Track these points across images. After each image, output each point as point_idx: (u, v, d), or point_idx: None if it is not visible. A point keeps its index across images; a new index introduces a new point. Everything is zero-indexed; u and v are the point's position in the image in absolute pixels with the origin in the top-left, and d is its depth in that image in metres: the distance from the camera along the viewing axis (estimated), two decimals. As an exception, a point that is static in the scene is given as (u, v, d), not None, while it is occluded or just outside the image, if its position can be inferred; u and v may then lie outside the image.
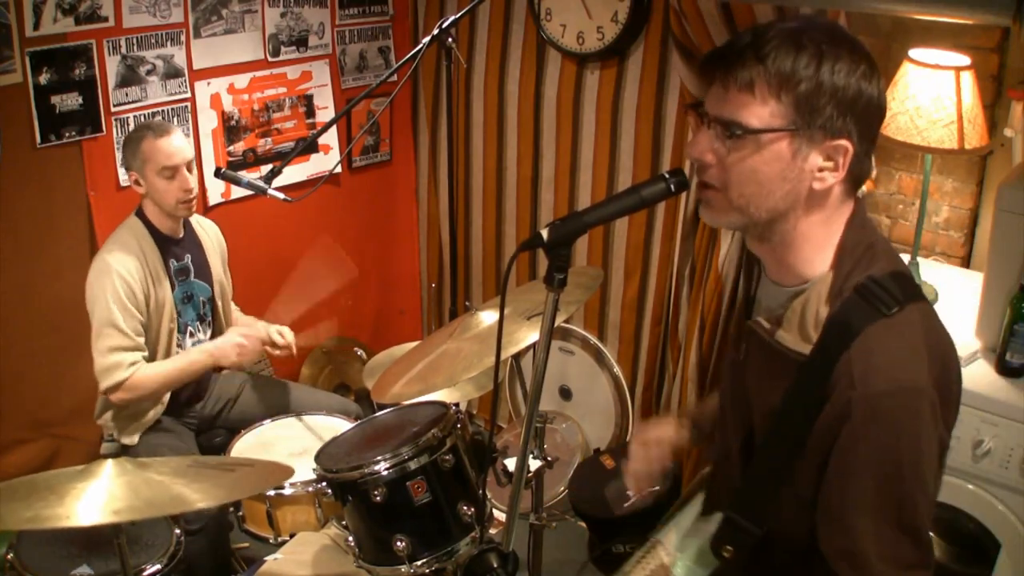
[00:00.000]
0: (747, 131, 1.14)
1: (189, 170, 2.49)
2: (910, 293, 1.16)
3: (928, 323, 1.18)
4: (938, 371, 1.14)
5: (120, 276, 2.39)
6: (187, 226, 2.64)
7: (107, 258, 2.42)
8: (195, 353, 2.56)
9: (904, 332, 1.14)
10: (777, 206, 1.18)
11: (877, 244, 1.21)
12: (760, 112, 1.13)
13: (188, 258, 2.61)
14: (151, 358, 2.50)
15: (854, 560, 1.14)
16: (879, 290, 1.14)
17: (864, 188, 1.91)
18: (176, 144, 2.46)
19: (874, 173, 2.47)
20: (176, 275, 2.57)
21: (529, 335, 1.80)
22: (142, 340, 2.45)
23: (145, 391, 2.45)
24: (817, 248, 1.21)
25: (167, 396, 2.59)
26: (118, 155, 2.79)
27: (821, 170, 1.15)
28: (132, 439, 2.51)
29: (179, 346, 2.59)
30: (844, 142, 1.14)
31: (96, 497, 1.66)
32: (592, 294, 2.61)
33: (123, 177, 2.77)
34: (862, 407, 1.10)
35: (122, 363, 2.40)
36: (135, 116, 2.84)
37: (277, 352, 2.67)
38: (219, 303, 2.72)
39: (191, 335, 2.64)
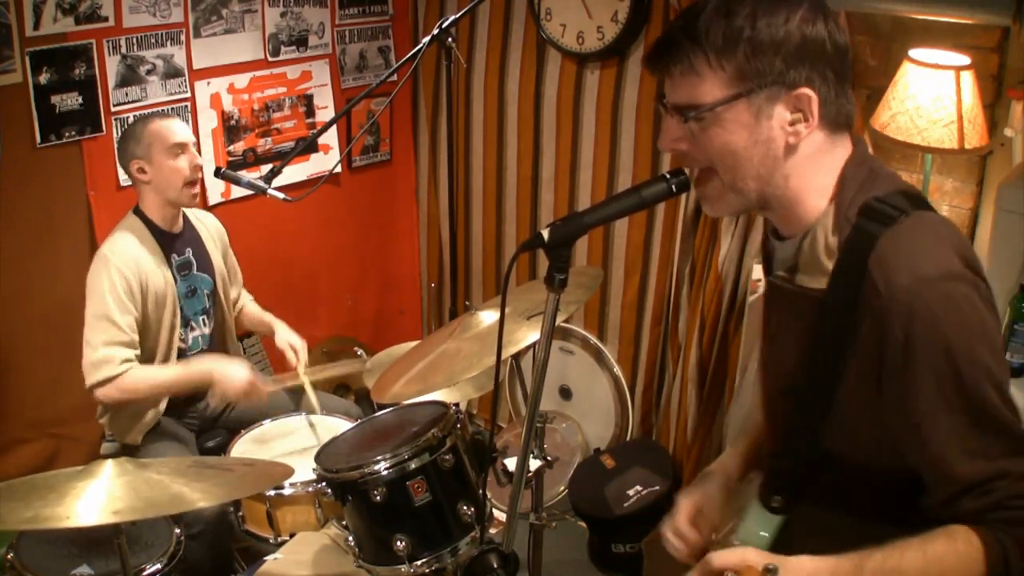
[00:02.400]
0: (701, 110, 1.14)
1: (195, 150, 2.52)
2: (917, 203, 1.14)
3: (944, 223, 1.15)
4: (965, 257, 1.10)
5: (118, 270, 2.38)
6: (185, 220, 2.63)
7: (105, 252, 2.42)
8: (197, 369, 2.51)
9: (921, 229, 1.11)
10: (759, 172, 1.17)
11: (878, 170, 1.19)
12: (709, 89, 1.14)
13: (189, 252, 2.61)
14: (151, 353, 2.49)
15: (939, 468, 1.09)
16: (884, 206, 1.12)
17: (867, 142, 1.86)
18: (180, 124, 2.51)
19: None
20: (178, 270, 2.56)
21: (529, 335, 1.80)
22: (136, 337, 2.42)
23: (136, 393, 2.42)
24: (816, 194, 1.19)
25: (165, 402, 2.56)
26: (120, 153, 2.78)
27: (792, 124, 1.14)
28: (134, 441, 2.51)
29: (181, 340, 2.58)
30: (805, 90, 1.12)
31: (96, 497, 1.66)
32: (592, 294, 2.62)
33: (123, 177, 2.77)
34: (894, 308, 1.07)
35: (113, 358, 2.36)
36: (135, 116, 2.83)
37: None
38: (221, 294, 2.72)
39: (192, 328, 2.63)
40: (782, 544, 1.30)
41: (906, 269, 1.08)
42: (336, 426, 2.58)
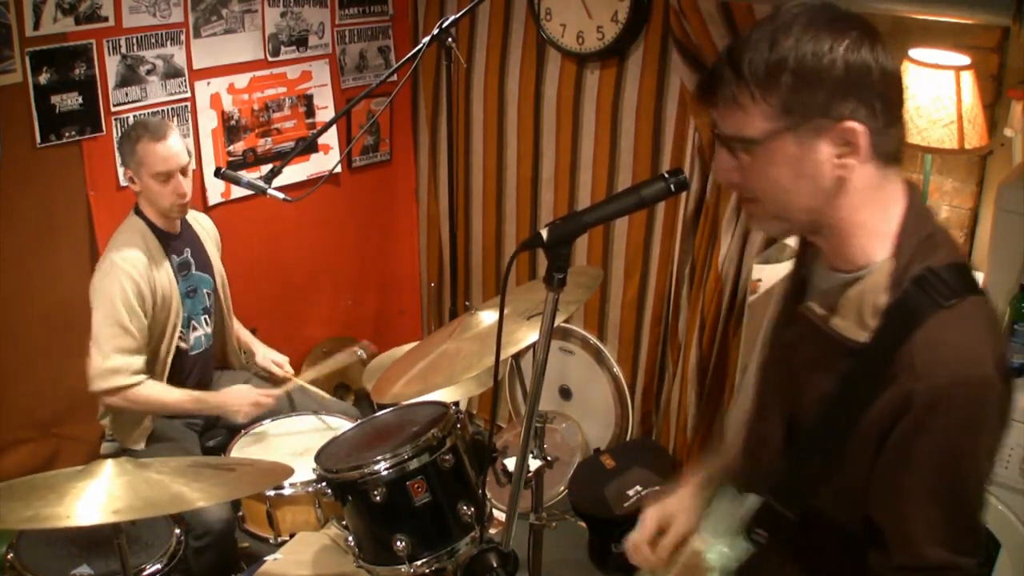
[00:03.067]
0: (747, 143, 1.14)
1: (184, 174, 2.47)
2: (969, 285, 1.15)
3: (988, 314, 1.17)
4: (1002, 361, 1.13)
5: (128, 276, 2.39)
6: (183, 221, 2.64)
7: (114, 258, 2.42)
8: (205, 401, 2.56)
9: (967, 323, 1.12)
10: (810, 205, 1.16)
11: (936, 234, 1.18)
12: (753, 122, 1.13)
13: (188, 252, 2.61)
14: (153, 353, 2.50)
15: (908, 546, 1.15)
16: (939, 281, 1.13)
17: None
18: (172, 149, 2.44)
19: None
20: (179, 270, 2.56)
21: (529, 335, 1.80)
22: (145, 341, 2.45)
23: (141, 407, 2.47)
24: (872, 235, 1.18)
25: None
26: (118, 155, 2.79)
27: (840, 156, 1.12)
28: (138, 445, 2.52)
29: (182, 340, 2.58)
30: (850, 124, 1.10)
31: (96, 497, 1.66)
32: (591, 294, 2.62)
33: (123, 177, 2.77)
34: (926, 399, 1.09)
35: (126, 368, 2.39)
36: (135, 116, 2.83)
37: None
38: (221, 294, 2.73)
39: (194, 328, 2.63)
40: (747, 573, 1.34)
41: (947, 366, 1.09)
42: (336, 426, 2.59)
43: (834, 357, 1.20)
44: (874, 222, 1.18)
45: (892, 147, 1.16)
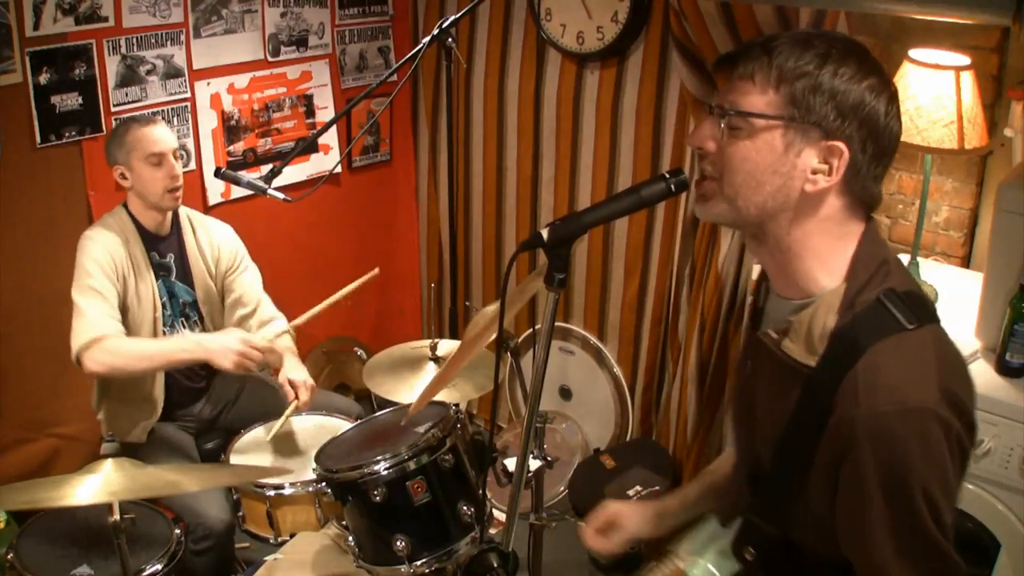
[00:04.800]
0: (740, 113, 1.15)
1: (176, 158, 2.47)
2: (925, 313, 1.14)
3: (941, 344, 1.15)
4: (950, 391, 1.10)
5: (98, 245, 2.39)
6: (175, 226, 2.60)
7: (87, 233, 2.43)
8: (187, 341, 2.44)
9: (914, 351, 1.11)
10: (766, 203, 1.17)
11: (891, 262, 1.19)
12: (756, 100, 1.14)
13: (171, 257, 2.58)
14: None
15: (877, 574, 1.14)
16: (895, 306, 1.13)
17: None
18: (160, 132, 2.46)
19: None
20: (157, 269, 2.54)
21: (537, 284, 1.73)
22: (118, 304, 2.39)
23: (121, 359, 2.32)
24: (822, 263, 1.18)
25: (161, 402, 2.55)
26: (107, 156, 2.77)
27: (815, 172, 1.14)
28: (140, 436, 2.50)
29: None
30: (839, 144, 1.12)
31: (94, 481, 1.68)
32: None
33: (115, 175, 2.76)
34: (866, 427, 1.08)
35: (100, 323, 2.32)
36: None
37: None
38: (204, 308, 2.65)
39: (177, 332, 2.61)
40: None
41: (888, 393, 1.08)
42: (336, 426, 2.58)
43: (788, 384, 1.19)
44: (825, 252, 1.18)
45: (866, 194, 1.18)
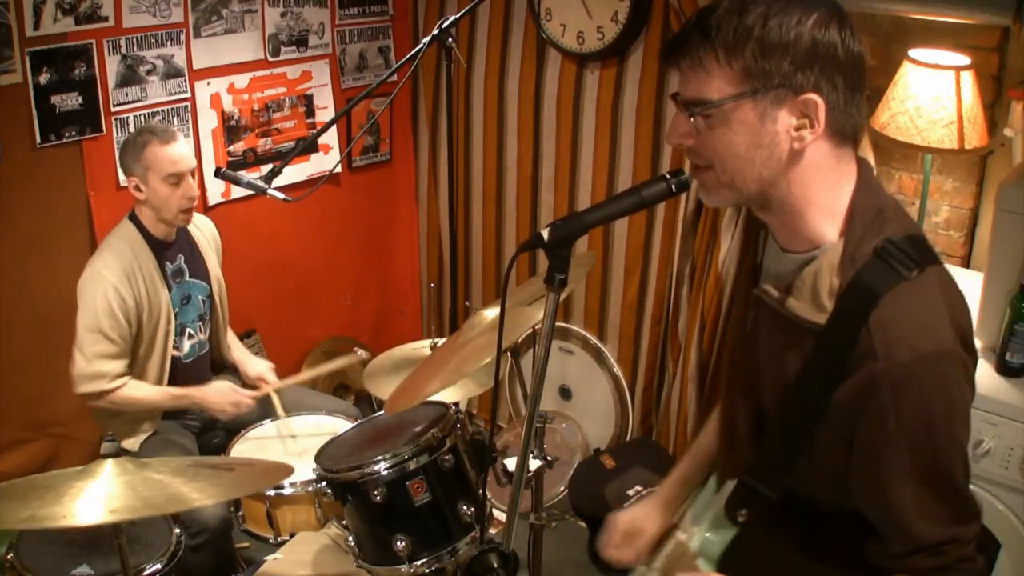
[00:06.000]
0: (708, 106, 1.14)
1: (192, 176, 2.49)
2: (926, 255, 1.15)
3: (946, 284, 1.17)
4: (961, 329, 1.13)
5: (112, 287, 2.39)
6: (179, 227, 2.62)
7: (99, 266, 2.41)
8: (185, 396, 2.55)
9: (924, 296, 1.12)
10: (761, 175, 1.16)
11: (887, 208, 1.18)
12: (716, 85, 1.13)
13: (181, 259, 2.59)
14: (144, 362, 2.50)
15: (902, 531, 1.16)
16: (896, 253, 1.13)
17: (870, 159, 1.87)
18: (181, 151, 2.46)
19: (871, 159, 2.47)
20: (172, 277, 2.56)
21: (535, 316, 1.76)
22: (128, 347, 2.44)
23: (125, 408, 2.48)
24: (824, 213, 1.18)
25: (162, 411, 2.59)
26: (120, 163, 2.77)
27: (797, 129, 1.13)
28: (133, 445, 2.51)
29: (175, 348, 2.58)
30: (811, 96, 1.11)
31: (95, 496, 1.66)
32: (587, 272, 2.61)
33: (123, 177, 2.76)
34: (889, 379, 1.09)
35: (107, 373, 2.40)
36: (135, 116, 2.84)
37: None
38: (217, 300, 2.72)
39: (189, 336, 2.63)
40: (731, 559, 1.35)
41: (906, 343, 1.09)
42: (336, 426, 2.58)
43: (794, 339, 1.19)
44: (826, 199, 1.18)
45: (850, 126, 1.17)
